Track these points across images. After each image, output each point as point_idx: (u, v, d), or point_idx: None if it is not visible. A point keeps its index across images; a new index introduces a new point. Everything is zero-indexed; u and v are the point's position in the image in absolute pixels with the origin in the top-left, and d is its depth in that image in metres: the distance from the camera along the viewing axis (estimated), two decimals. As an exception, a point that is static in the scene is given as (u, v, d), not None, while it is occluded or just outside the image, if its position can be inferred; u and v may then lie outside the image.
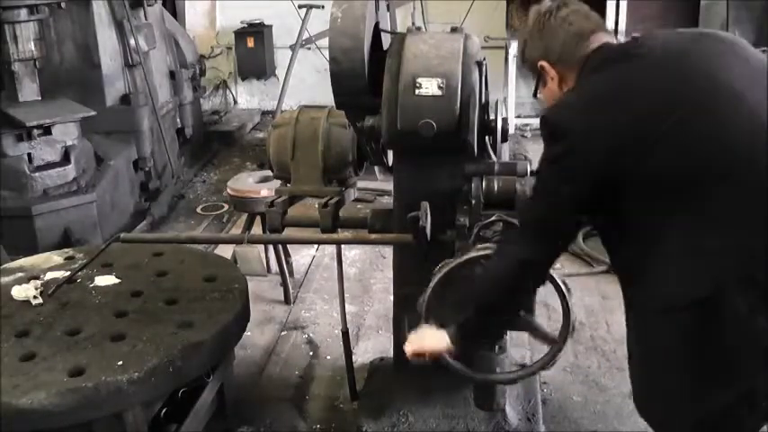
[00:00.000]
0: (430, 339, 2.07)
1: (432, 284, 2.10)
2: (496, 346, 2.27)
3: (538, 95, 2.04)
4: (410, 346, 2.11)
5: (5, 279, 2.81)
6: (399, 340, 2.70)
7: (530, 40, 1.95)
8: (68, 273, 2.76)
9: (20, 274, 2.85)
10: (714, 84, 1.74)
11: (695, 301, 1.71)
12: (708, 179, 1.71)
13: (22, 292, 2.68)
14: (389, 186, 2.61)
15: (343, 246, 3.10)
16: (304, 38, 6.48)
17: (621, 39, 2.02)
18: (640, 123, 1.71)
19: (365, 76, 2.33)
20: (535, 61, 1.93)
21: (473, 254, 2.08)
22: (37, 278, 2.80)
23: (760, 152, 1.69)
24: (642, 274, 1.81)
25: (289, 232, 2.83)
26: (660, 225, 1.75)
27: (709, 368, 1.75)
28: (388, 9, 2.85)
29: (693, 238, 1.72)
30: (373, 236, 2.66)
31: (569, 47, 1.87)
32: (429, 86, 2.24)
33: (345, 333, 3.05)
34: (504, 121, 2.40)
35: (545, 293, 2.34)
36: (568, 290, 2.09)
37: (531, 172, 2.35)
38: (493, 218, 2.17)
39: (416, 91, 2.24)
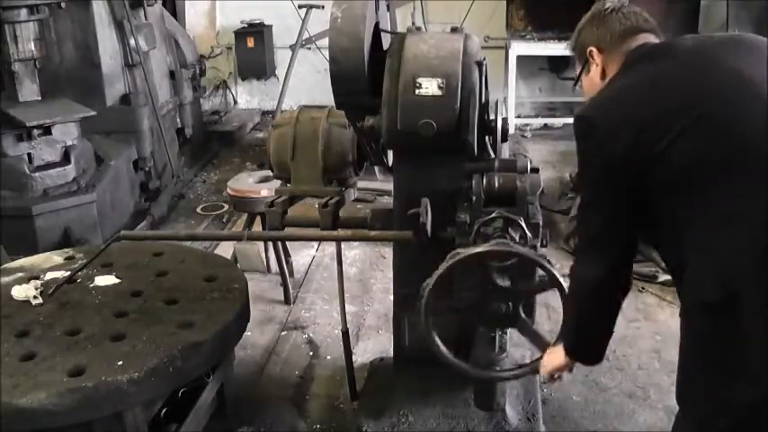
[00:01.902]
0: (556, 359, 2.15)
1: (434, 277, 2.10)
2: (497, 346, 2.28)
3: (578, 85, 2.08)
4: (545, 370, 2.20)
5: (5, 279, 2.81)
6: (399, 340, 2.71)
7: (586, 26, 2.03)
8: (68, 273, 2.76)
9: (20, 274, 2.85)
10: (741, 81, 1.77)
11: (720, 299, 1.71)
12: (730, 173, 1.72)
13: (22, 292, 2.68)
14: (389, 186, 2.61)
15: (343, 246, 3.10)
16: (304, 38, 6.48)
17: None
18: (664, 116, 1.74)
19: (365, 76, 2.33)
20: (586, 46, 1.99)
21: (475, 250, 2.08)
22: (37, 278, 2.80)
23: None
24: (680, 271, 1.83)
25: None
26: (686, 221, 1.77)
27: (735, 365, 1.73)
28: (388, 9, 2.85)
29: (715, 233, 1.73)
30: (373, 233, 2.66)
31: (619, 39, 1.95)
32: (429, 86, 2.24)
33: (345, 333, 3.05)
34: (504, 121, 2.41)
35: (545, 293, 2.35)
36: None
37: (532, 169, 2.36)
38: (493, 215, 2.17)
39: (416, 91, 2.24)
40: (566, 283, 2.09)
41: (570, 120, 7.20)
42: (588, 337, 2.06)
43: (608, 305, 1.99)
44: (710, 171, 1.73)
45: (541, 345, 2.23)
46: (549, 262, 2.10)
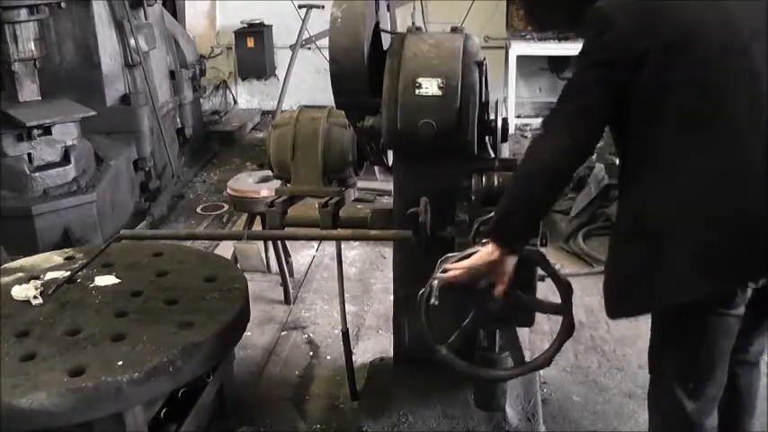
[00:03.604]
0: (475, 256, 2.07)
1: (428, 287, 2.10)
2: (497, 346, 2.27)
3: None
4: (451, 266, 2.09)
5: (5, 279, 2.81)
6: (399, 340, 2.71)
7: None
8: (68, 273, 2.76)
9: (20, 274, 2.85)
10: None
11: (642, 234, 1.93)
12: (710, 103, 1.85)
13: (22, 292, 2.68)
14: (389, 186, 2.61)
15: (343, 246, 3.10)
16: (304, 38, 6.48)
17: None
18: (677, 28, 1.85)
19: (365, 76, 2.32)
20: None
21: (466, 253, 2.08)
22: (37, 278, 2.80)
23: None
24: (625, 195, 2.01)
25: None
26: (653, 141, 1.90)
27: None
28: (388, 9, 2.85)
29: (679, 161, 1.87)
30: (373, 232, 2.66)
31: None
32: (429, 86, 2.24)
33: (345, 333, 3.05)
34: (504, 121, 2.41)
35: (545, 292, 2.35)
36: (569, 287, 2.09)
37: None
38: (492, 213, 2.17)
39: (416, 91, 2.24)
40: (562, 276, 2.10)
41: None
42: (530, 204, 2.03)
43: (567, 174, 2.02)
44: (672, 101, 1.85)
45: (518, 357, 2.22)
46: (543, 256, 2.10)
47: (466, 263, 2.08)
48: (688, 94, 1.85)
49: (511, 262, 2.07)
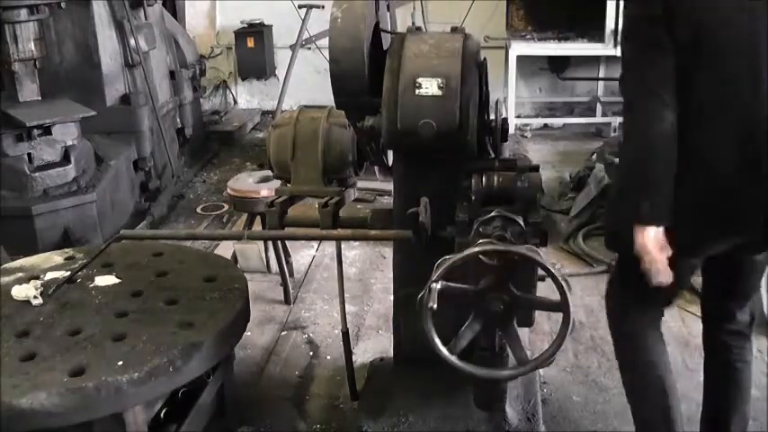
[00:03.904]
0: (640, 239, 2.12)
1: (434, 277, 2.09)
2: (497, 346, 2.27)
3: None
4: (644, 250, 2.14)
5: (5, 279, 2.81)
6: (399, 340, 2.71)
7: None
8: (68, 273, 2.76)
9: (20, 274, 2.85)
10: None
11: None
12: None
13: (22, 292, 2.67)
14: (389, 186, 2.61)
15: (343, 246, 3.10)
16: (304, 38, 6.48)
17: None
18: None
19: (365, 76, 2.32)
20: None
21: (476, 249, 2.08)
22: (37, 278, 2.80)
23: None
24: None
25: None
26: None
27: None
28: (388, 9, 2.85)
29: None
30: (373, 232, 2.66)
31: None
32: (429, 86, 2.24)
33: (345, 333, 3.05)
34: (504, 121, 2.40)
35: (545, 292, 2.35)
36: (568, 286, 2.08)
37: (532, 167, 2.34)
38: (492, 213, 2.17)
39: (416, 91, 2.24)
40: (558, 273, 2.10)
41: (570, 120, 7.24)
42: (658, 189, 2.09)
43: (672, 150, 2.07)
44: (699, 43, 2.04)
45: (521, 357, 2.21)
46: (539, 254, 2.09)
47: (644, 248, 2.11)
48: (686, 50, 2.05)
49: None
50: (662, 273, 2.10)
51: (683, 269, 2.21)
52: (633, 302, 2.37)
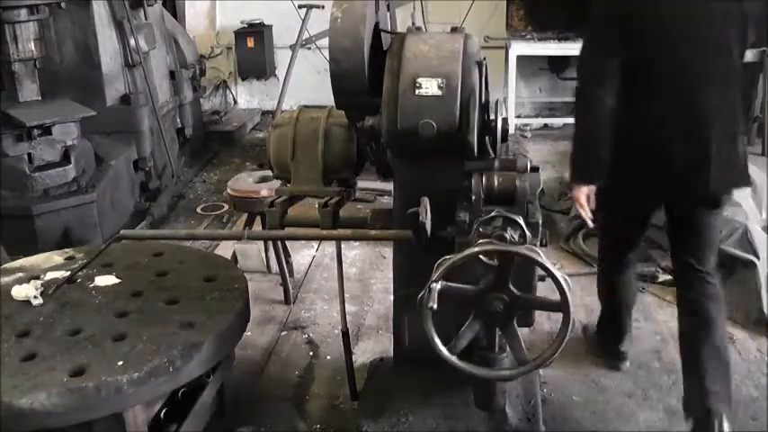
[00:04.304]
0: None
1: (434, 277, 2.09)
2: (497, 346, 2.27)
3: None
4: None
5: (5, 279, 2.81)
6: (399, 340, 2.71)
7: None
8: (68, 273, 2.76)
9: (20, 274, 2.85)
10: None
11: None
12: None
13: (22, 292, 2.68)
14: (389, 186, 2.61)
15: (343, 246, 3.10)
16: (304, 38, 6.48)
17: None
18: None
19: (365, 76, 2.32)
20: None
21: (476, 249, 2.07)
22: (37, 278, 2.80)
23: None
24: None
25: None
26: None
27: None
28: (388, 9, 2.86)
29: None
30: (373, 232, 2.66)
31: None
32: (429, 86, 2.24)
33: (345, 333, 3.05)
34: (504, 121, 2.40)
35: (545, 292, 2.34)
36: (568, 286, 2.08)
37: (532, 168, 2.36)
38: (493, 213, 2.17)
39: (416, 91, 2.24)
40: (558, 273, 2.10)
41: (570, 120, 7.22)
42: (593, 157, 2.74)
43: (607, 128, 2.65)
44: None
45: (521, 357, 2.21)
46: (539, 254, 2.09)
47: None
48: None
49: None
50: (587, 217, 2.82)
51: (633, 222, 3.05)
52: (610, 254, 3.26)
